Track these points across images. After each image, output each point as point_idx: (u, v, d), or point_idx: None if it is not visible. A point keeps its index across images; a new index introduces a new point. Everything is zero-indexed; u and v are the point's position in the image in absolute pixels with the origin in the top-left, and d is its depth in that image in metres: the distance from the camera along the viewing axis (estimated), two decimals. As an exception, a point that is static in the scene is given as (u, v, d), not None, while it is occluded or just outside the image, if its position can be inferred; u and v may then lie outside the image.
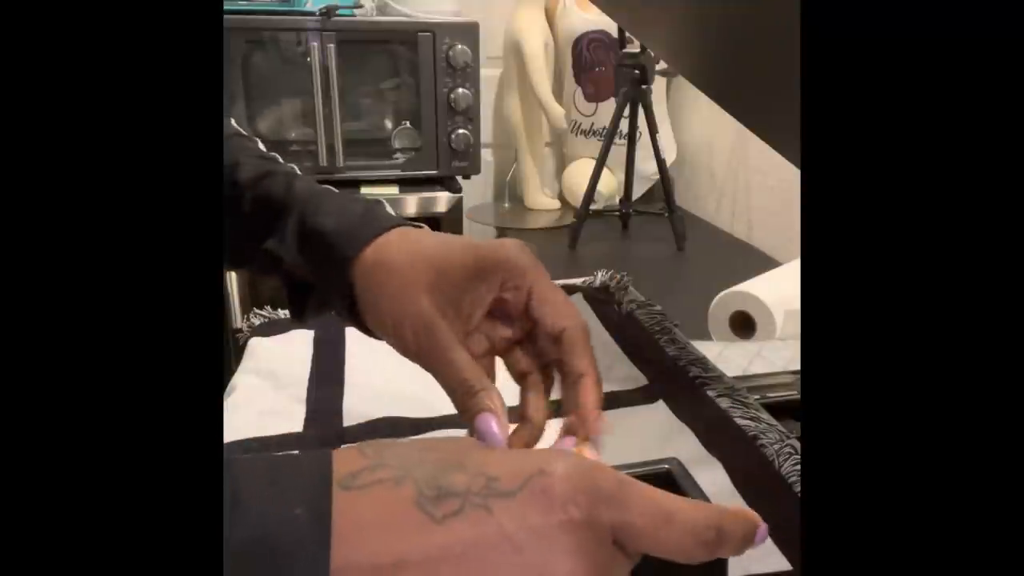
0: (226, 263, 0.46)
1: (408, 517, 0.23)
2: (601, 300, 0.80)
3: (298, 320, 0.43)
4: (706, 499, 0.35)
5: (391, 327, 0.36)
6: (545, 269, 0.36)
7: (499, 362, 0.38)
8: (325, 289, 0.40)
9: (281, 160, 0.45)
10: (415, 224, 0.39)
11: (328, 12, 1.28)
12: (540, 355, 0.36)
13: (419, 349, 0.35)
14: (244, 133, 0.47)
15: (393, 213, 0.41)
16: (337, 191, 0.42)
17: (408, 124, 1.38)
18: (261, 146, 0.47)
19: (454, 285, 0.35)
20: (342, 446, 0.56)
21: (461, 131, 1.38)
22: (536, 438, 0.35)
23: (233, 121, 0.49)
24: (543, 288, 0.35)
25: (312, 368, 0.68)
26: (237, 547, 0.21)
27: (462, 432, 0.58)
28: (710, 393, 0.60)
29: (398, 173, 1.40)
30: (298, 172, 0.44)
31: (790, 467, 0.50)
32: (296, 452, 0.26)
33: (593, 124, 1.64)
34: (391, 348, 0.44)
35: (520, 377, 0.37)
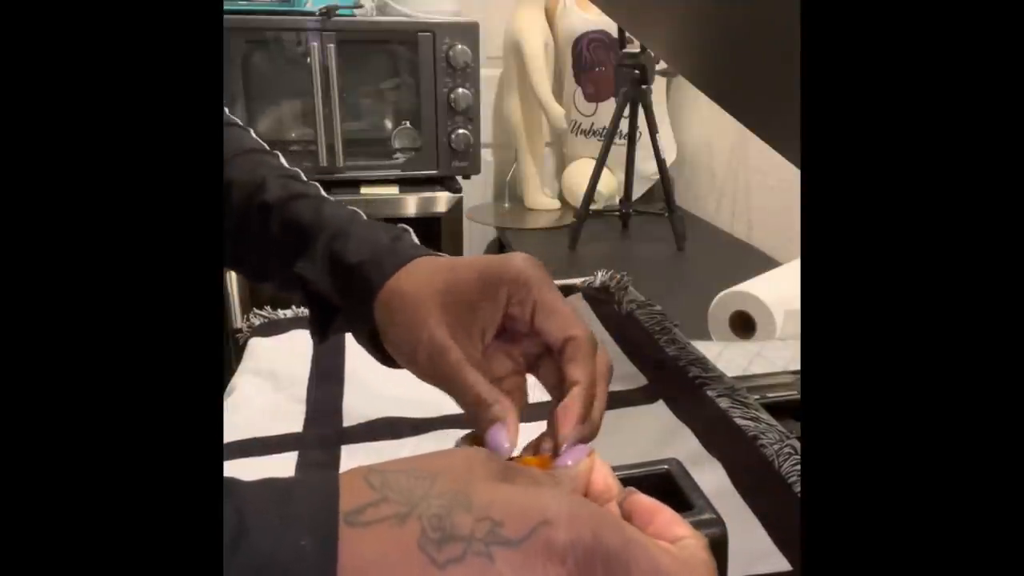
0: (247, 276, 0.47)
1: (410, 560, 0.23)
2: (601, 300, 0.80)
3: (318, 340, 0.44)
4: (706, 500, 0.35)
5: (406, 355, 0.37)
6: (552, 282, 0.36)
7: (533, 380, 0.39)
8: (350, 316, 0.41)
9: (304, 177, 0.46)
10: (435, 253, 0.40)
11: (328, 12, 1.28)
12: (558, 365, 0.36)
13: (433, 373, 0.36)
14: (266, 148, 0.48)
15: (417, 242, 0.41)
16: (366, 218, 0.43)
17: (408, 124, 1.38)
18: (283, 160, 0.47)
19: (462, 306, 0.36)
20: (341, 447, 0.56)
21: (461, 131, 1.38)
22: (589, 397, 0.34)
23: (252, 132, 0.49)
24: (547, 300, 0.35)
25: (312, 368, 0.68)
26: (242, 573, 0.21)
27: (459, 433, 0.58)
28: (710, 393, 0.60)
29: (398, 173, 1.40)
30: (323, 193, 0.45)
31: (790, 467, 0.50)
32: (302, 477, 0.26)
33: (593, 124, 1.64)
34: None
35: (554, 389, 0.37)
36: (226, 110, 0.50)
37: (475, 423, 0.34)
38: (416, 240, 0.42)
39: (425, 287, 0.37)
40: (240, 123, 0.50)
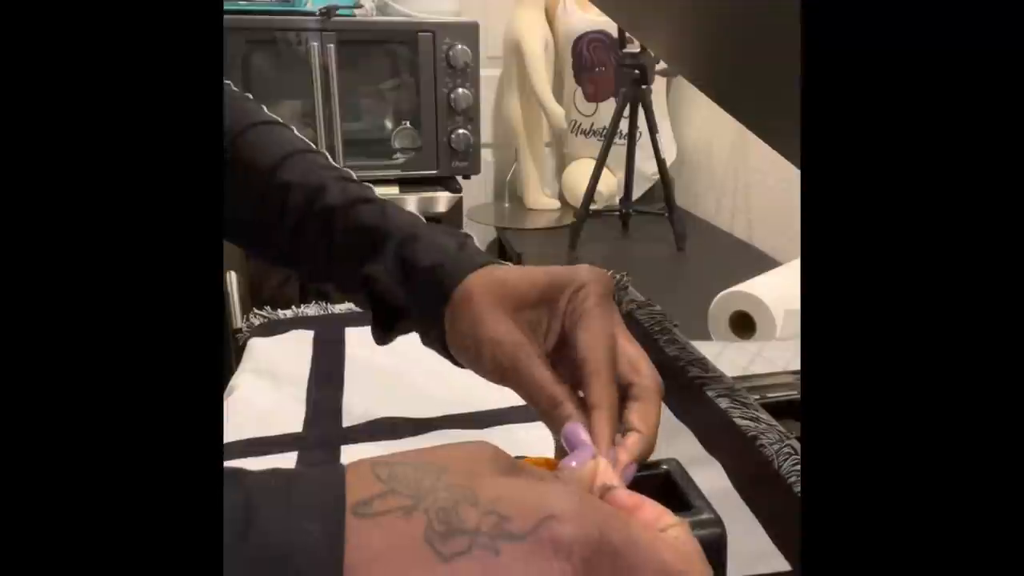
0: (305, 278, 0.48)
1: (416, 553, 0.23)
2: (601, 300, 0.80)
3: (380, 341, 0.44)
4: (706, 500, 0.35)
5: (473, 353, 0.37)
6: (607, 299, 0.37)
7: None
8: (419, 319, 0.42)
9: (356, 177, 0.47)
10: (500, 261, 0.41)
11: (328, 12, 1.28)
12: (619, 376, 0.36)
13: (500, 371, 0.36)
14: (313, 147, 0.48)
15: (481, 248, 0.42)
16: (428, 224, 0.44)
17: (408, 124, 1.38)
18: (331, 159, 0.48)
19: (527, 312, 0.37)
20: (341, 447, 0.56)
21: (461, 131, 1.38)
22: (648, 447, 0.35)
23: (295, 130, 0.50)
24: (591, 315, 0.36)
25: (312, 368, 0.68)
26: (249, 560, 0.21)
27: (460, 433, 0.58)
28: (710, 393, 0.60)
29: (398, 173, 1.40)
30: (379, 195, 0.46)
31: (790, 467, 0.50)
32: (310, 469, 0.26)
33: (593, 124, 1.64)
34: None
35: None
36: (264, 108, 0.51)
37: (548, 423, 0.35)
38: (478, 246, 0.43)
39: (493, 291, 0.37)
40: (283, 121, 0.50)
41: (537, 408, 0.35)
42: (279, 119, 0.50)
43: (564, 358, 0.37)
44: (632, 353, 0.37)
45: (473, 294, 0.38)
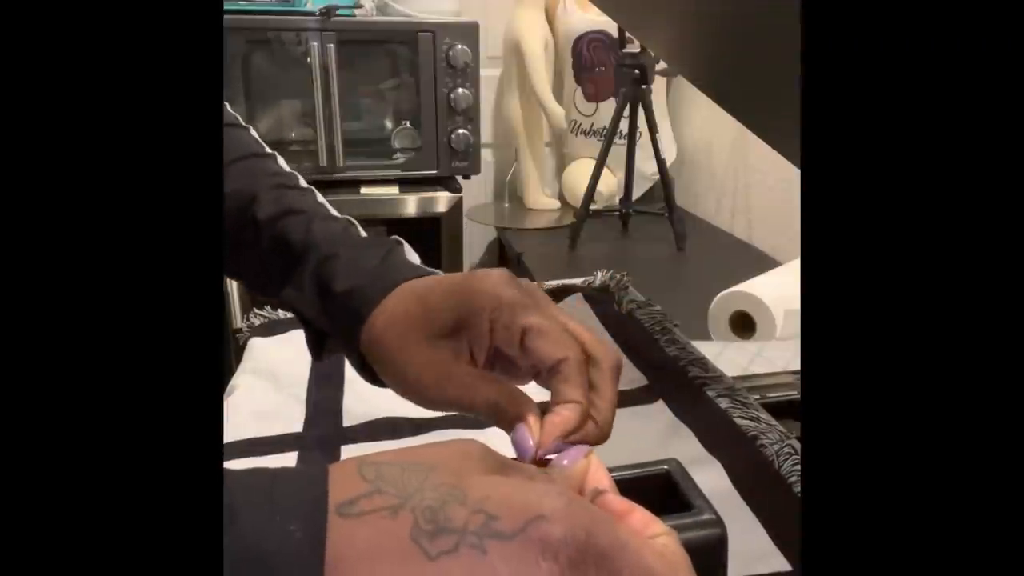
0: (248, 288, 0.47)
1: (402, 551, 0.23)
2: (601, 300, 0.80)
3: (316, 358, 0.44)
4: (706, 500, 0.35)
5: (400, 381, 0.37)
6: (536, 297, 0.35)
7: None
8: (339, 342, 0.41)
9: (301, 182, 0.45)
10: (423, 269, 0.39)
11: (328, 12, 1.28)
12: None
13: (441, 397, 0.36)
14: (263, 150, 0.47)
15: (411, 258, 0.41)
16: (357, 236, 0.42)
17: (408, 124, 1.38)
18: (280, 162, 0.47)
19: (446, 335, 0.36)
20: (341, 447, 0.56)
21: (461, 131, 1.38)
22: (603, 438, 0.34)
23: (252, 131, 0.49)
24: (534, 322, 0.34)
25: (312, 368, 0.68)
26: (229, 560, 0.21)
27: (460, 433, 0.58)
28: (710, 393, 0.60)
29: (398, 173, 1.40)
30: (319, 200, 0.44)
31: (790, 467, 0.50)
32: (292, 468, 0.26)
33: (593, 124, 1.64)
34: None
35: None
36: (227, 106, 0.49)
37: (504, 428, 0.34)
38: (407, 254, 0.41)
39: (412, 314, 0.36)
40: (239, 122, 0.49)
41: (486, 419, 0.35)
42: (238, 120, 0.49)
43: (505, 358, 0.36)
44: (580, 332, 0.35)
45: (391, 319, 0.37)
